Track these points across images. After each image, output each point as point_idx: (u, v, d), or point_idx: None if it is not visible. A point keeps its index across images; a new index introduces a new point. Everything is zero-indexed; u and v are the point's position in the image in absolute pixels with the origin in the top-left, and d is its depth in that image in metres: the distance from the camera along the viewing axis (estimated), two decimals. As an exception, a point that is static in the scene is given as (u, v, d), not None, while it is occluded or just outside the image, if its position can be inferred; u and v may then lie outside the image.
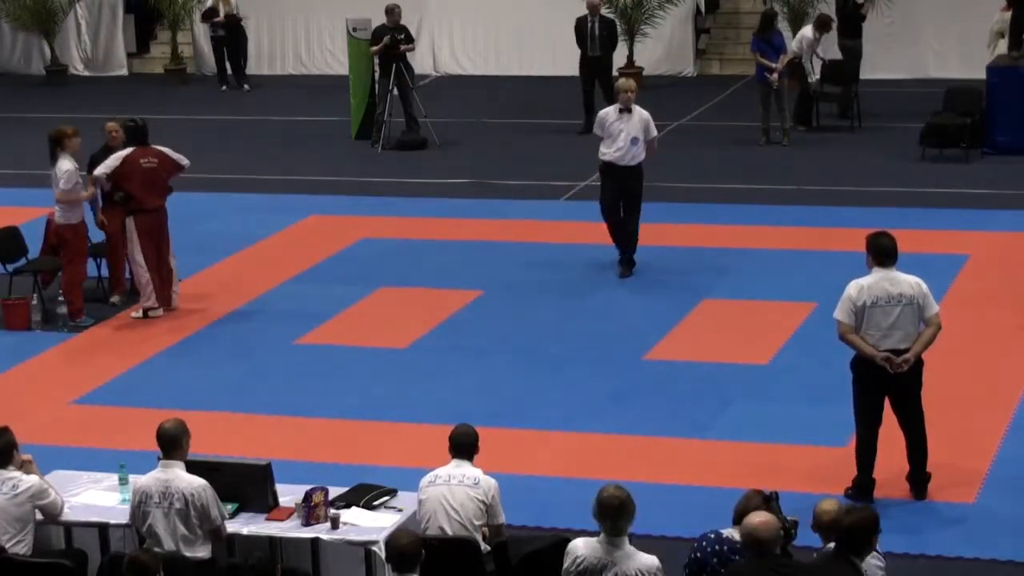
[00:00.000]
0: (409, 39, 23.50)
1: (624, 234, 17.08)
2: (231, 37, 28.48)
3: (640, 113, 16.79)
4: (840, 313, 11.34)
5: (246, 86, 28.38)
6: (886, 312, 11.25)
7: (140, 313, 16.21)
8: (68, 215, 16.13)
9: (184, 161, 16.29)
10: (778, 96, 22.50)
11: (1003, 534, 11.07)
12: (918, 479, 11.62)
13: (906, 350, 11.26)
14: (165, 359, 15.22)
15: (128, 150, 15.96)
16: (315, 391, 14.26)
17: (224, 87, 28.43)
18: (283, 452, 12.20)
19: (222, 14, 28.26)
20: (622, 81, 17.20)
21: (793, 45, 23.18)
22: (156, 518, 9.68)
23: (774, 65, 22.42)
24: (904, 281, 11.32)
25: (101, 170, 15.88)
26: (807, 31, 23.20)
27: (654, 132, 16.94)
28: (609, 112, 16.95)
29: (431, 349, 15.22)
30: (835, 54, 23.88)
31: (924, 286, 11.35)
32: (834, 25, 23.37)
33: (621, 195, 16.93)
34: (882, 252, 11.38)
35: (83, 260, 16.42)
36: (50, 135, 16.19)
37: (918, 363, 11.36)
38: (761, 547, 8.33)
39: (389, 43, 22.82)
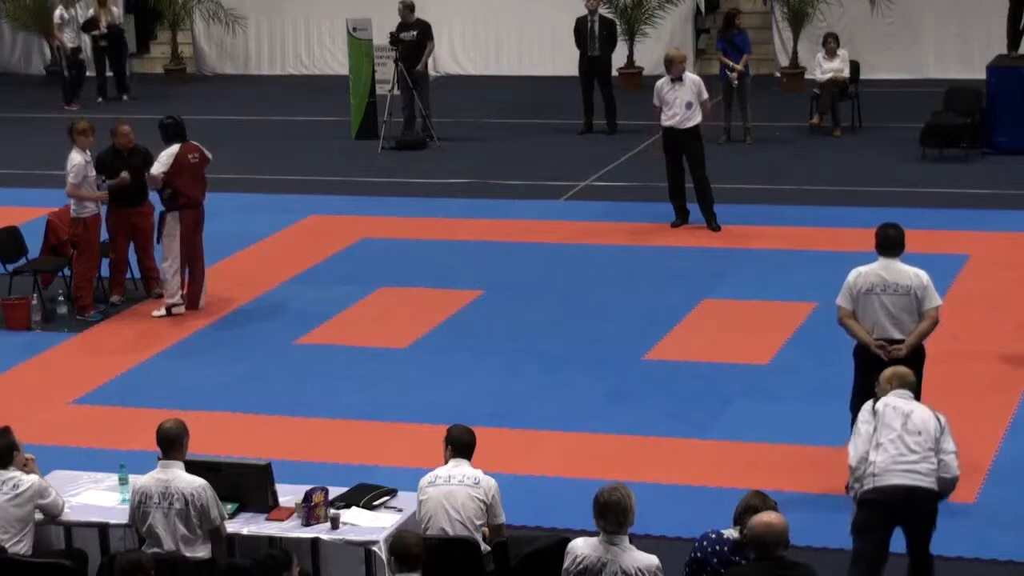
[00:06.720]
0: (428, 35, 23.48)
1: (681, 191, 18.38)
2: (112, 47, 28.06)
3: (691, 79, 18.23)
4: (840, 298, 11.55)
5: (125, 96, 27.81)
6: (881, 300, 11.38)
7: (163, 311, 16.17)
8: (80, 209, 16.11)
9: (209, 154, 16.33)
10: (740, 95, 22.51)
11: (1003, 534, 11.07)
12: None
13: (902, 340, 11.32)
14: (165, 359, 15.22)
15: (176, 147, 15.94)
16: (315, 391, 14.25)
17: (100, 99, 27.66)
18: (283, 452, 12.21)
19: (104, 25, 27.81)
20: (673, 52, 18.71)
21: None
22: (156, 518, 9.67)
23: (735, 64, 22.46)
24: (904, 272, 11.41)
25: (159, 168, 15.85)
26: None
27: (706, 94, 18.29)
28: (663, 83, 18.28)
29: (431, 349, 15.21)
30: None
31: (926, 278, 11.42)
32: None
33: (683, 155, 18.20)
34: (884, 241, 11.54)
35: (94, 255, 16.35)
36: (68, 126, 16.23)
37: (918, 353, 11.40)
38: (777, 547, 8.35)
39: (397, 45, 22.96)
